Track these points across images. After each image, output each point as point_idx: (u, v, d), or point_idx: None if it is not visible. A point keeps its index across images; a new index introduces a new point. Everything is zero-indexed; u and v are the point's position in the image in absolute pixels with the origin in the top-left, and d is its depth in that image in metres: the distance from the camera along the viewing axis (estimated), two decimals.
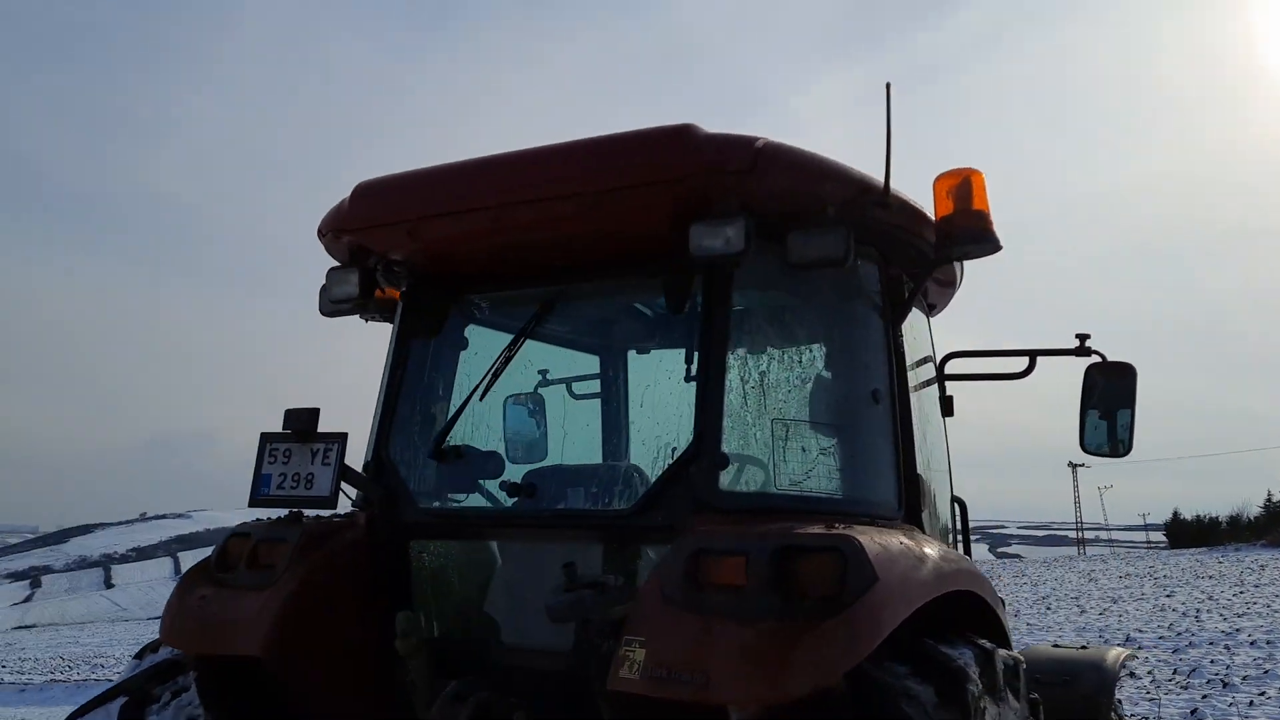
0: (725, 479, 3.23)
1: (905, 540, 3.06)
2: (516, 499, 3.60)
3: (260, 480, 3.81)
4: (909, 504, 3.60)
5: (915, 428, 3.77)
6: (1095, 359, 4.29)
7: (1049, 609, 21.12)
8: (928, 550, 3.08)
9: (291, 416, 3.76)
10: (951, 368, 4.61)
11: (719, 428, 3.24)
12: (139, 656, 3.74)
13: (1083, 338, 4.33)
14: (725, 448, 3.25)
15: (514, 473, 3.79)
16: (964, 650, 2.97)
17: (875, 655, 2.73)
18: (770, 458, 3.36)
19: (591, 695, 3.30)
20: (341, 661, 3.57)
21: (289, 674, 3.41)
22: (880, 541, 2.89)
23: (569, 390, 4.65)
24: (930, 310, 4.56)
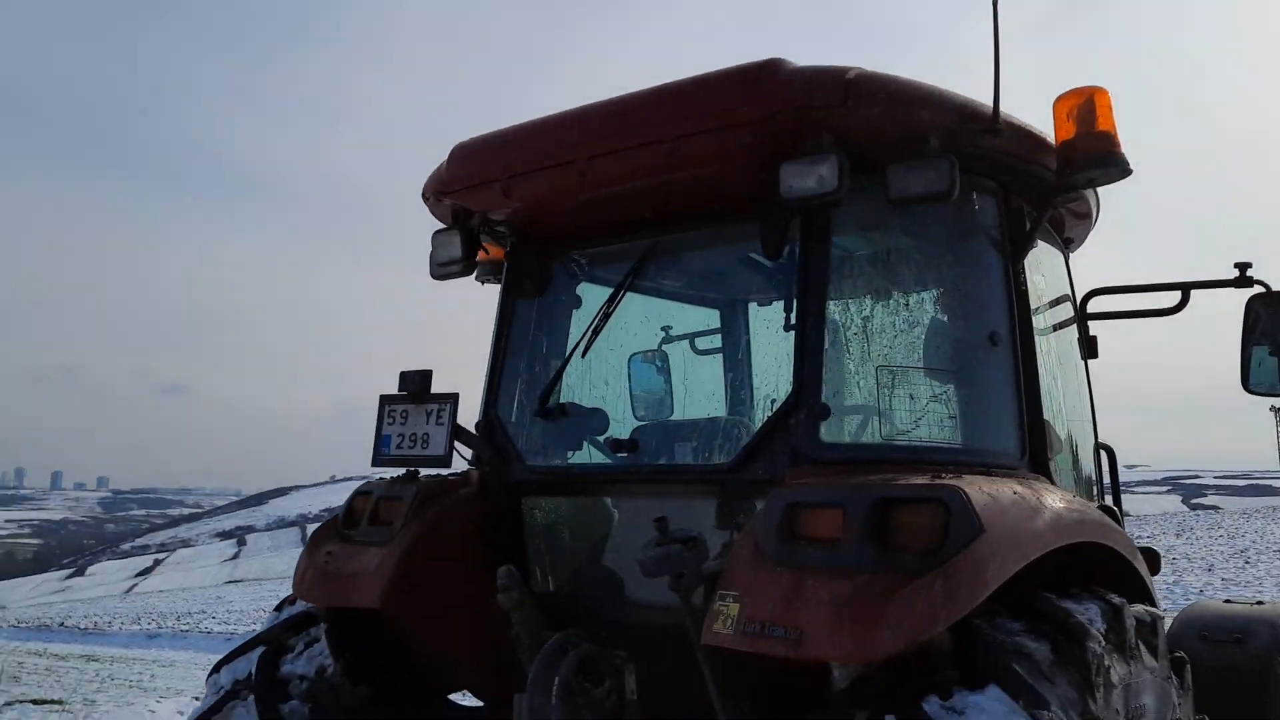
0: (826, 430, 3.10)
1: (1021, 489, 2.86)
2: (620, 454, 3.59)
3: (381, 441, 3.94)
4: (1033, 452, 3.37)
5: (1044, 371, 3.51)
6: (1258, 290, 3.88)
7: (1247, 563, 19.69)
8: (1048, 500, 2.87)
9: (406, 379, 3.86)
10: (1096, 306, 4.27)
11: (818, 377, 3.11)
12: (278, 609, 3.96)
13: (1243, 267, 3.92)
14: (826, 398, 3.12)
15: (619, 429, 3.77)
16: (1088, 605, 2.76)
17: (986, 611, 2.58)
18: (876, 407, 3.20)
19: (690, 647, 3.28)
20: (455, 613, 3.66)
21: (406, 625, 3.53)
22: (989, 491, 2.71)
23: (692, 346, 4.59)
24: (1067, 245, 4.23)
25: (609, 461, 3.62)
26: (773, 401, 3.25)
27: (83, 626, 42.92)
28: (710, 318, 4.67)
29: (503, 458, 3.84)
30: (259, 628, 4.01)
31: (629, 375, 4.31)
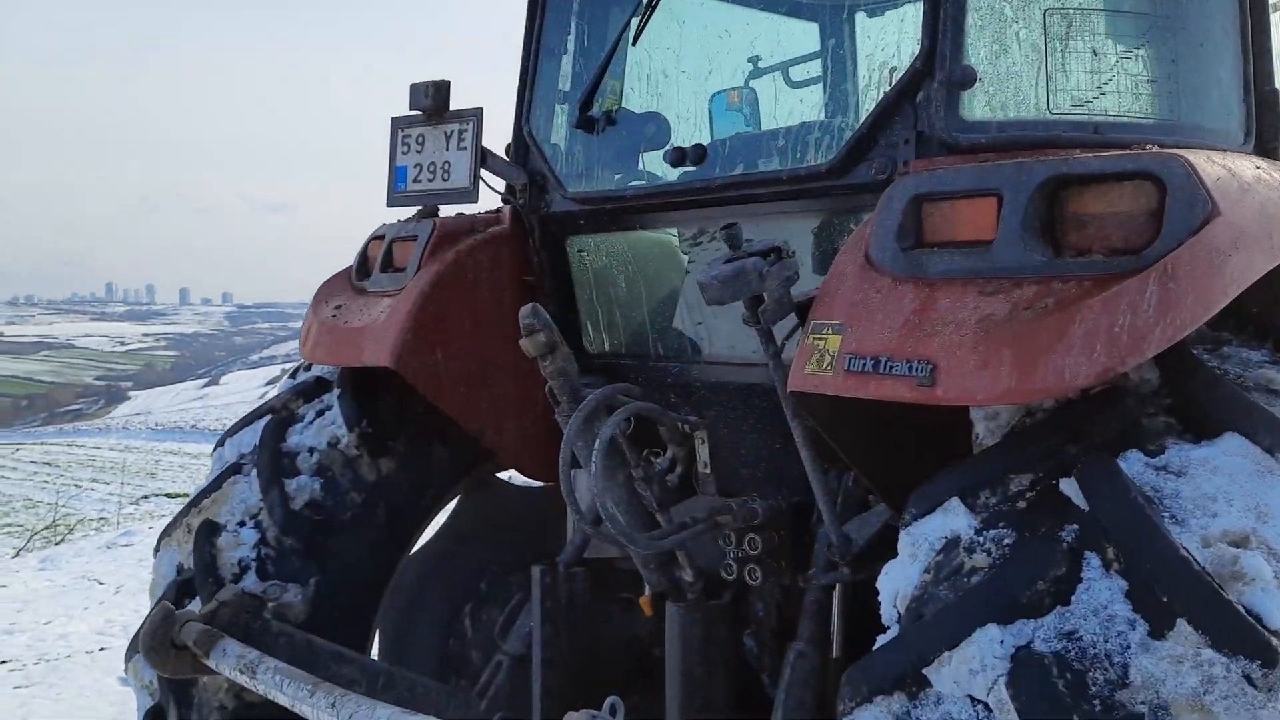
0: (969, 104, 2.19)
1: (1266, 167, 1.94)
2: (684, 169, 2.74)
3: (395, 176, 3.19)
4: (1260, 134, 2.41)
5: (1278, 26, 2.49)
6: None
7: None
8: None
9: (417, 93, 3.06)
10: None
11: (960, 24, 2.16)
12: (293, 375, 3.37)
13: None
14: (970, 57, 2.18)
15: (683, 137, 2.90)
16: None
17: (1213, 334, 1.76)
18: (1042, 68, 2.25)
19: (778, 409, 2.54)
20: (490, 376, 2.99)
21: (431, 389, 2.89)
22: (1223, 164, 1.81)
23: (785, 79, 3.60)
24: None
25: (670, 179, 2.79)
26: (892, 71, 2.32)
27: (213, 429, 45.66)
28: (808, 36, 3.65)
29: (540, 186, 3.04)
30: None
31: (710, 119, 3.39)
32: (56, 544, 15.09)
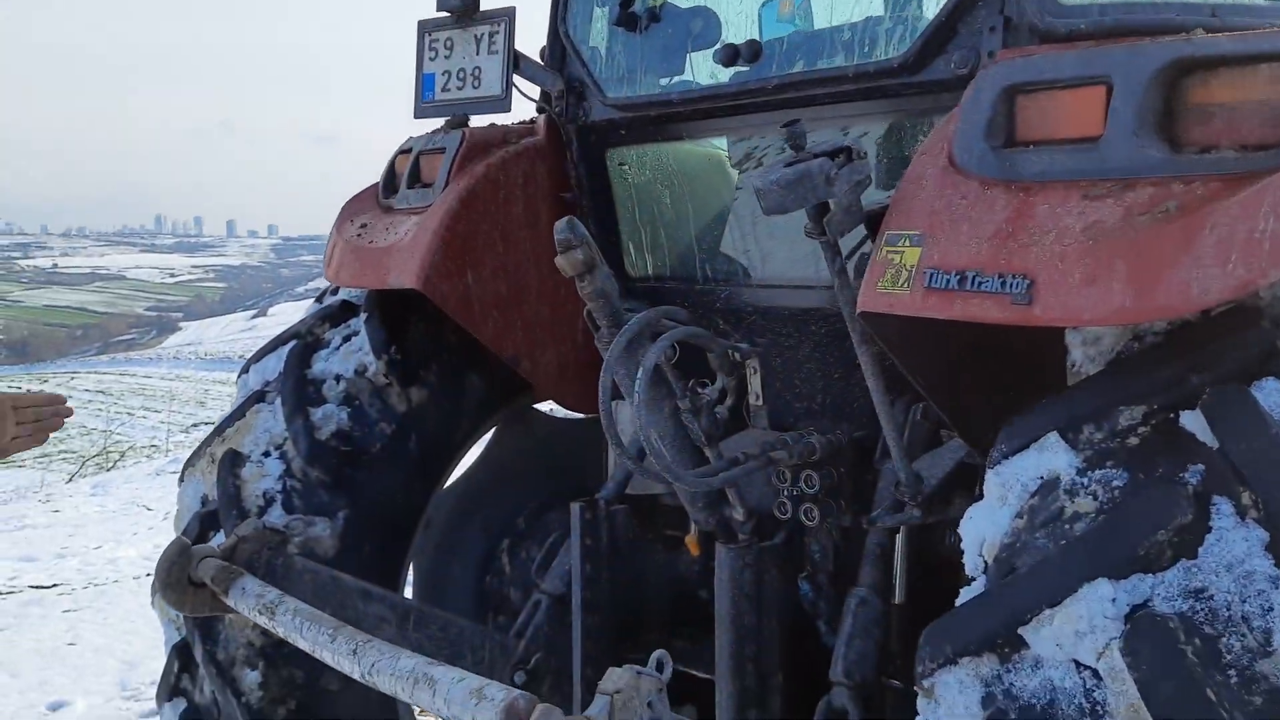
0: None
1: None
2: (736, 69, 2.48)
3: (422, 84, 2.96)
4: None
5: None
6: None
7: None
8: None
9: None
10: None
11: None
12: (319, 299, 3.19)
13: None
14: None
15: (736, 33, 2.63)
16: None
17: None
18: None
19: (838, 335, 2.31)
20: (526, 300, 2.79)
21: (463, 313, 2.69)
22: None
23: None
24: None
25: (721, 81, 2.53)
26: None
27: None
28: None
29: (578, 92, 2.79)
30: None
31: (759, 26, 3.10)
32: (108, 470, 15.41)
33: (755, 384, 2.44)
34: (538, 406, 3.29)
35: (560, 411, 3.21)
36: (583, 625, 2.49)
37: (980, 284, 1.53)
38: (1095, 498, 1.38)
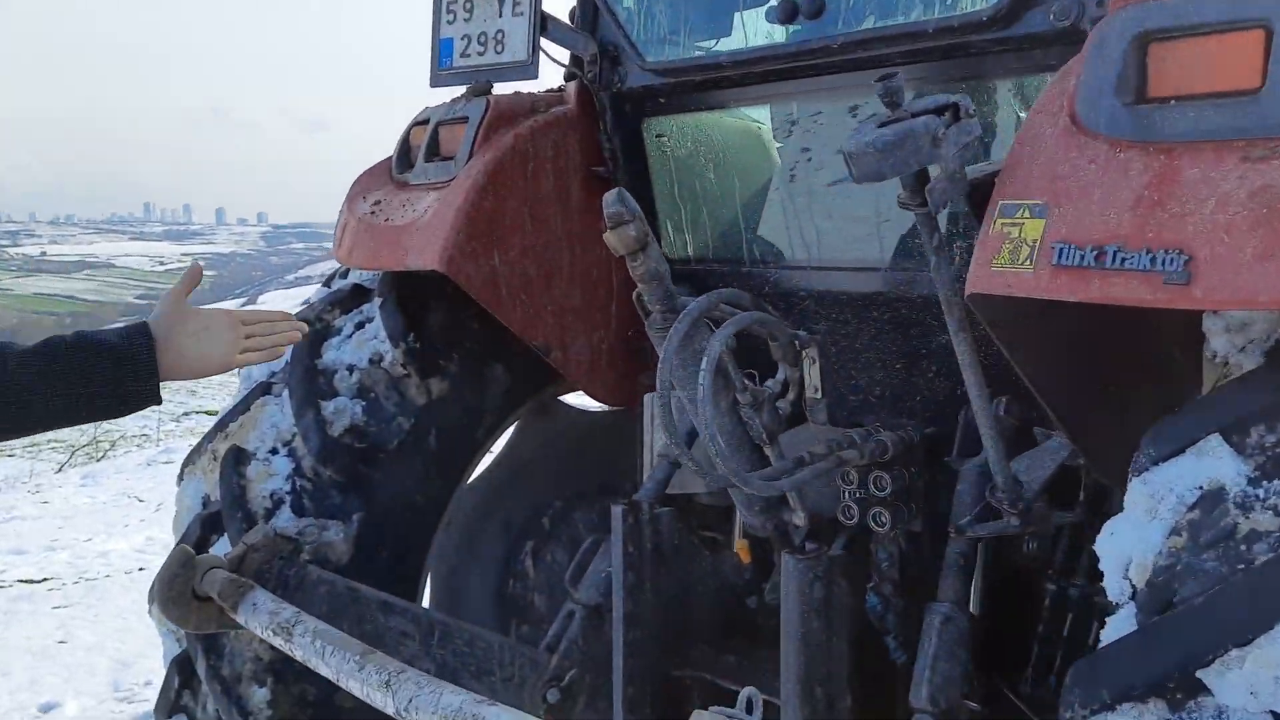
0: None
1: None
2: (794, 27, 2.25)
3: (439, 50, 2.72)
4: None
5: None
6: None
7: None
8: None
9: None
10: None
11: None
12: (327, 282, 2.96)
13: None
14: None
15: None
16: None
17: None
18: None
19: (901, 322, 2.10)
20: (555, 281, 2.57)
21: (487, 296, 2.47)
22: None
23: None
24: None
25: (778, 41, 2.30)
26: None
27: None
28: None
29: (612, 57, 2.56)
30: None
31: None
32: (98, 460, 15.12)
33: (814, 375, 2.22)
34: (564, 399, 3.06)
35: (588, 403, 2.99)
36: (625, 640, 2.27)
37: (1124, 261, 1.31)
38: (1277, 513, 1.17)
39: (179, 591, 1.94)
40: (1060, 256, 1.37)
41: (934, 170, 1.55)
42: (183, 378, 1.65)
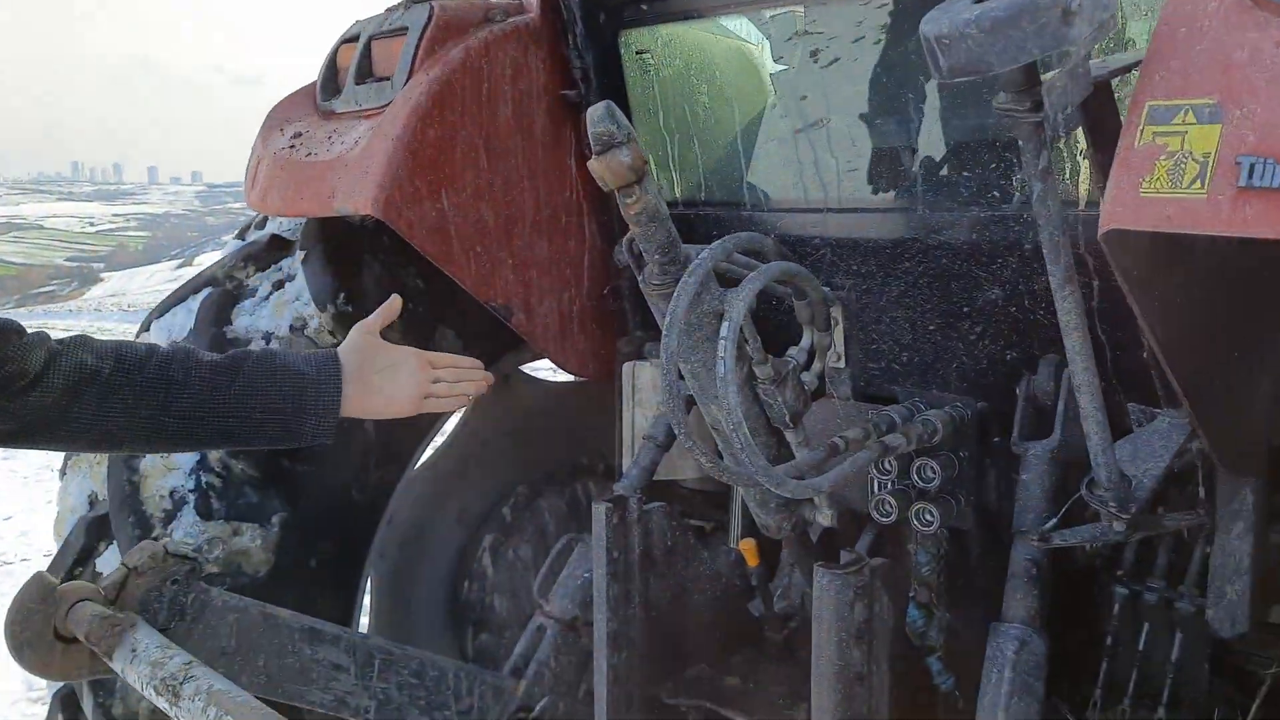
0: None
1: None
2: None
3: None
4: None
5: None
6: None
7: None
8: None
9: None
10: None
11: None
12: (241, 235, 2.48)
13: None
14: None
15: None
16: None
17: None
18: None
19: (939, 275, 1.72)
20: (515, 229, 2.12)
21: (433, 247, 2.02)
22: None
23: None
24: None
25: None
26: None
27: None
28: None
29: None
30: None
31: None
32: None
33: (838, 339, 1.82)
34: (526, 369, 2.63)
35: (556, 374, 2.56)
36: (609, 662, 1.87)
37: None
38: None
39: (36, 633, 1.49)
40: (1252, 175, 0.97)
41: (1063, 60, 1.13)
42: (363, 416, 1.56)
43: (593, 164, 1.38)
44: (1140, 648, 1.72)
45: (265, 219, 2.42)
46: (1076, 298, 1.25)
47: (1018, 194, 1.74)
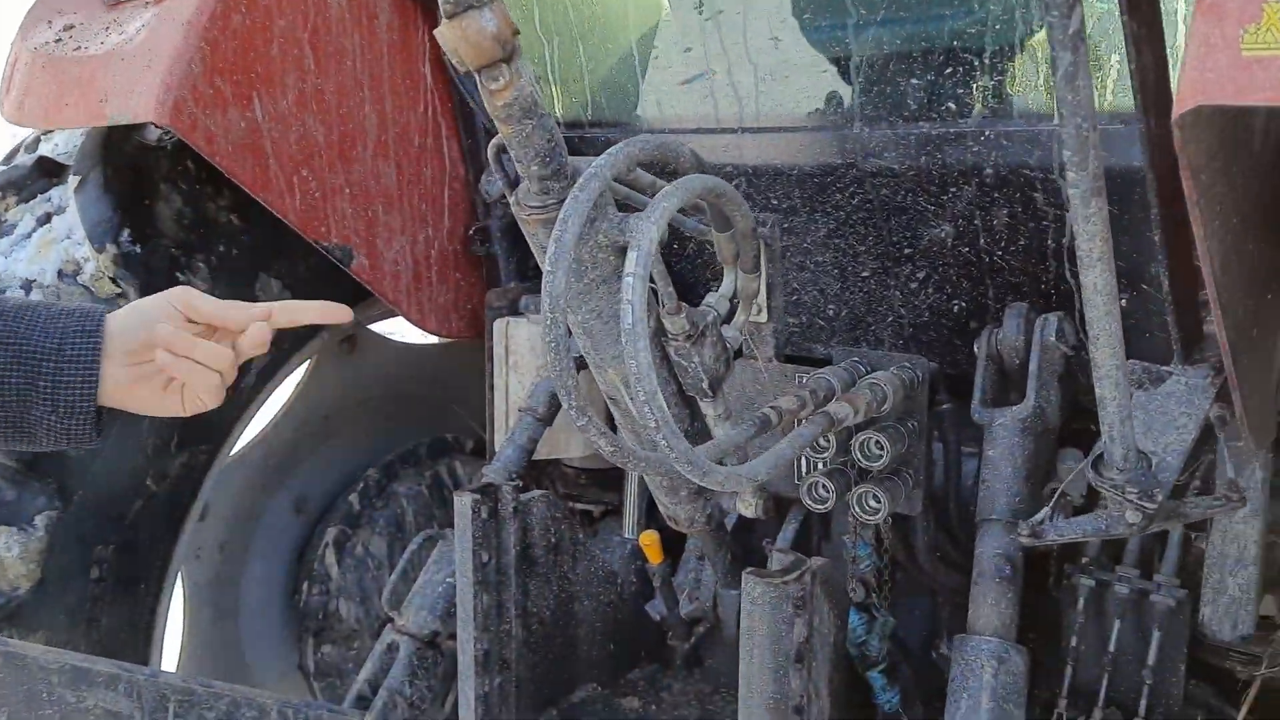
0: None
1: None
2: None
3: None
4: None
5: None
6: None
7: None
8: None
9: None
10: None
11: None
12: (7, 159, 1.96)
13: None
14: None
15: None
16: None
17: None
18: None
19: (878, 207, 1.43)
20: (344, 142, 1.70)
21: (235, 162, 1.58)
22: None
23: None
24: None
25: None
26: None
27: None
28: None
29: None
30: None
31: None
32: None
33: (763, 286, 1.47)
34: (374, 327, 2.19)
35: (411, 333, 2.15)
36: (476, 691, 1.49)
37: None
38: None
39: None
40: None
41: None
42: (134, 410, 1.16)
43: (442, 31, 0.98)
44: (1110, 649, 1.45)
45: (38, 139, 1.92)
46: (1103, 216, 0.93)
47: (979, 105, 1.43)
